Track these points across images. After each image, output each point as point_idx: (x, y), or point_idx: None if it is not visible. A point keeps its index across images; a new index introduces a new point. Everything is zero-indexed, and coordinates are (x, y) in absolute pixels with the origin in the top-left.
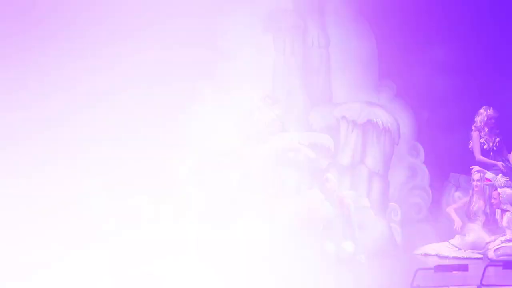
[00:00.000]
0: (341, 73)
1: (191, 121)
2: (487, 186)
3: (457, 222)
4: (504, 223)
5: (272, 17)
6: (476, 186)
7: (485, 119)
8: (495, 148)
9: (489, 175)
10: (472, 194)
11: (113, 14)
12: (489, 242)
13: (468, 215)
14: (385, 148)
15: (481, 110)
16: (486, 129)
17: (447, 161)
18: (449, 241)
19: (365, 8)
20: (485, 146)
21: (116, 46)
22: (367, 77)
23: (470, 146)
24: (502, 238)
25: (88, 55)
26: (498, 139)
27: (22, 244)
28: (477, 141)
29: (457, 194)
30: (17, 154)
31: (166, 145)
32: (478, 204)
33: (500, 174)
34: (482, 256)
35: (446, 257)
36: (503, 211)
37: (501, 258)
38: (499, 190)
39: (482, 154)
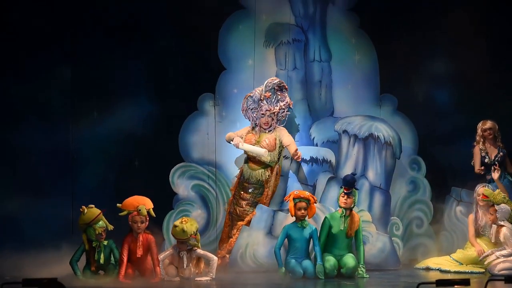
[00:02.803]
0: (342, 87)
1: (191, 133)
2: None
3: (478, 249)
4: (501, 238)
5: (273, 31)
6: (481, 200)
7: (481, 132)
8: (496, 163)
9: (487, 191)
10: (477, 210)
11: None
12: (486, 255)
13: (476, 231)
14: (387, 162)
15: (479, 124)
16: (486, 143)
17: (449, 175)
18: (451, 255)
19: (366, 22)
20: (486, 160)
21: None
22: (368, 91)
23: (472, 162)
24: (498, 253)
25: None
26: (501, 153)
27: None
28: (477, 154)
29: (459, 208)
30: None
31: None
32: (484, 218)
33: (498, 190)
34: (484, 270)
35: (448, 272)
36: (500, 226)
37: (502, 272)
38: (496, 206)
39: (485, 167)
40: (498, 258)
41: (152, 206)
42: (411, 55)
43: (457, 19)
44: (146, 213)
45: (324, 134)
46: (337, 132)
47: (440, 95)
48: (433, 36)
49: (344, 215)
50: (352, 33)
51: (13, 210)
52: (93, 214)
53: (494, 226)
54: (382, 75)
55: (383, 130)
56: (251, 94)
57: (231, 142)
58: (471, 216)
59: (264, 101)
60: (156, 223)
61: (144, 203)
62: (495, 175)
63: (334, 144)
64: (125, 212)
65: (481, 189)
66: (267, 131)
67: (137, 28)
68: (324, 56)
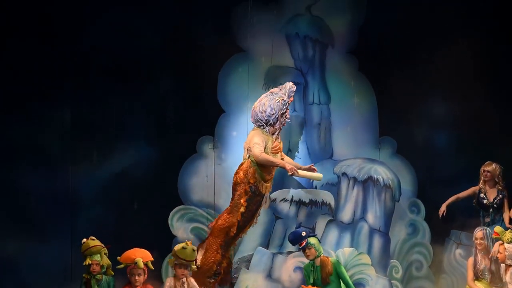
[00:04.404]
0: (341, 130)
1: (191, 175)
2: (492, 242)
3: None
4: (508, 278)
5: (272, 74)
6: (480, 244)
7: (481, 172)
8: (495, 205)
9: (498, 228)
10: (476, 253)
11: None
12: None
13: (475, 274)
14: (386, 205)
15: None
16: (486, 185)
17: (448, 218)
18: None
19: (365, 65)
20: (485, 201)
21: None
22: (367, 133)
23: (474, 202)
24: None
25: None
26: (500, 196)
27: None
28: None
29: (458, 251)
30: None
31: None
32: (484, 262)
33: (509, 229)
34: None
35: None
36: (508, 266)
37: None
38: (505, 245)
39: (483, 209)
40: None
41: (151, 259)
42: (410, 97)
43: (457, 60)
44: (142, 265)
45: (324, 177)
46: (336, 174)
47: (439, 138)
48: (432, 78)
49: (314, 266)
50: (351, 76)
51: (11, 253)
52: (87, 245)
53: (503, 266)
54: (381, 117)
55: (382, 173)
56: (283, 99)
57: (275, 164)
58: (470, 260)
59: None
60: (155, 265)
61: (142, 256)
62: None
63: (333, 186)
64: (122, 265)
65: (479, 232)
66: (276, 135)
67: (136, 71)
68: (323, 98)
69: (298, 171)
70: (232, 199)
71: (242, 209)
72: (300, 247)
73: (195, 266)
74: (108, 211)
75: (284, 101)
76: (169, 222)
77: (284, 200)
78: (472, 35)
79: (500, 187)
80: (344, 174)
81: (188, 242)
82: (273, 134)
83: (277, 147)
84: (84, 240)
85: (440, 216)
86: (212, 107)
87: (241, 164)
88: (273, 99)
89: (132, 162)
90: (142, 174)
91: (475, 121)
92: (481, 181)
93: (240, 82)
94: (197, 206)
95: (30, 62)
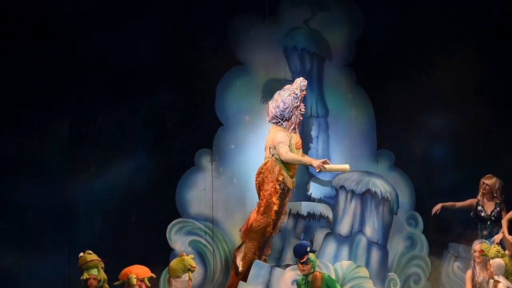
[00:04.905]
0: (339, 143)
1: (189, 188)
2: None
3: None
4: None
5: (270, 87)
6: (478, 257)
7: (481, 184)
8: (493, 218)
9: (484, 245)
10: (474, 266)
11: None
12: None
13: (473, 287)
14: (384, 218)
15: None
16: (484, 197)
17: (446, 231)
18: None
19: (363, 78)
20: (482, 214)
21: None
22: (365, 146)
23: (472, 214)
24: None
25: None
26: (497, 209)
27: None
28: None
29: (456, 264)
30: None
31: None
32: (482, 274)
33: (494, 245)
34: None
35: None
36: (496, 282)
37: None
38: (491, 261)
39: (481, 222)
40: None
41: (149, 275)
42: (408, 110)
43: (454, 73)
44: (135, 282)
45: (321, 190)
46: (334, 187)
47: (437, 151)
48: (430, 91)
49: (306, 281)
50: (349, 89)
51: (10, 266)
52: (84, 259)
53: (492, 281)
54: (379, 130)
55: (380, 186)
56: (295, 92)
57: (302, 162)
58: (469, 273)
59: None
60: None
61: (138, 272)
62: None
63: (331, 199)
64: (119, 282)
65: (477, 245)
66: (296, 131)
67: (134, 83)
68: (321, 111)
69: (325, 165)
70: (261, 199)
71: (275, 208)
72: (301, 261)
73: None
74: (106, 223)
75: (296, 94)
76: (167, 235)
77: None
78: (469, 47)
79: (498, 201)
80: (342, 187)
81: (182, 254)
82: (291, 129)
83: (299, 143)
84: (81, 254)
85: (433, 214)
86: (210, 120)
87: (264, 164)
88: (284, 94)
89: (130, 174)
90: (140, 186)
91: (473, 134)
92: (480, 193)
93: (238, 95)
94: (195, 219)
95: (28, 75)
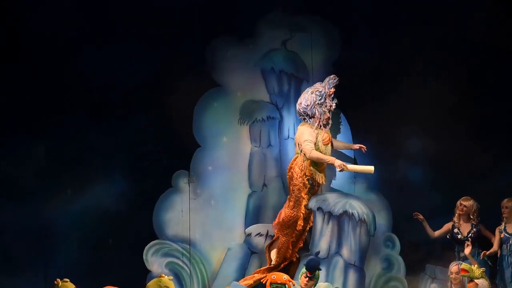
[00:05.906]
0: None
1: (166, 210)
2: (465, 278)
3: None
4: None
5: (248, 109)
6: (455, 279)
7: (457, 206)
8: (469, 239)
9: (465, 266)
10: (451, 287)
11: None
12: None
13: None
14: (361, 240)
15: None
16: (460, 219)
17: (423, 253)
18: None
19: (340, 100)
20: (459, 236)
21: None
22: None
23: (448, 236)
24: None
25: None
26: (474, 230)
27: None
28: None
29: (433, 285)
30: None
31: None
32: None
33: (477, 265)
34: None
35: None
36: None
37: None
38: (476, 281)
39: (458, 244)
40: None
41: None
42: (385, 132)
43: (432, 96)
44: None
45: None
46: (311, 209)
47: (414, 173)
48: (408, 114)
49: None
50: None
51: None
52: None
53: None
54: (356, 152)
55: (357, 207)
56: (318, 90)
57: (325, 161)
58: None
59: (329, 97)
60: None
61: None
62: (467, 250)
63: None
64: None
65: (454, 267)
66: (327, 128)
67: (111, 105)
68: None
69: (348, 166)
70: (290, 193)
71: (304, 202)
72: (309, 275)
73: None
74: (82, 246)
75: (320, 91)
76: (144, 257)
77: (259, 234)
78: (447, 71)
79: (474, 222)
80: (319, 208)
81: (161, 275)
82: (318, 126)
83: (326, 139)
84: (58, 280)
85: (415, 216)
86: (188, 142)
87: (294, 159)
88: (308, 92)
89: (107, 196)
90: (117, 208)
91: (450, 157)
92: (456, 215)
93: (215, 117)
94: (172, 240)
95: (4, 97)
